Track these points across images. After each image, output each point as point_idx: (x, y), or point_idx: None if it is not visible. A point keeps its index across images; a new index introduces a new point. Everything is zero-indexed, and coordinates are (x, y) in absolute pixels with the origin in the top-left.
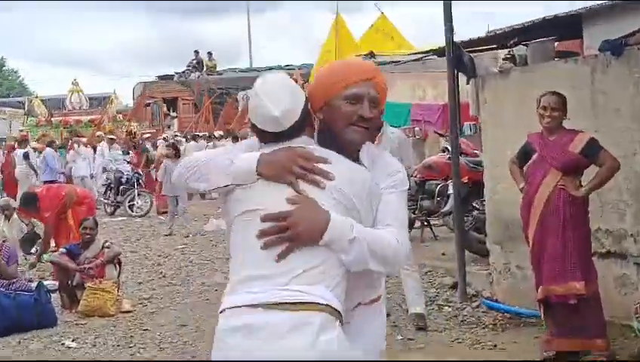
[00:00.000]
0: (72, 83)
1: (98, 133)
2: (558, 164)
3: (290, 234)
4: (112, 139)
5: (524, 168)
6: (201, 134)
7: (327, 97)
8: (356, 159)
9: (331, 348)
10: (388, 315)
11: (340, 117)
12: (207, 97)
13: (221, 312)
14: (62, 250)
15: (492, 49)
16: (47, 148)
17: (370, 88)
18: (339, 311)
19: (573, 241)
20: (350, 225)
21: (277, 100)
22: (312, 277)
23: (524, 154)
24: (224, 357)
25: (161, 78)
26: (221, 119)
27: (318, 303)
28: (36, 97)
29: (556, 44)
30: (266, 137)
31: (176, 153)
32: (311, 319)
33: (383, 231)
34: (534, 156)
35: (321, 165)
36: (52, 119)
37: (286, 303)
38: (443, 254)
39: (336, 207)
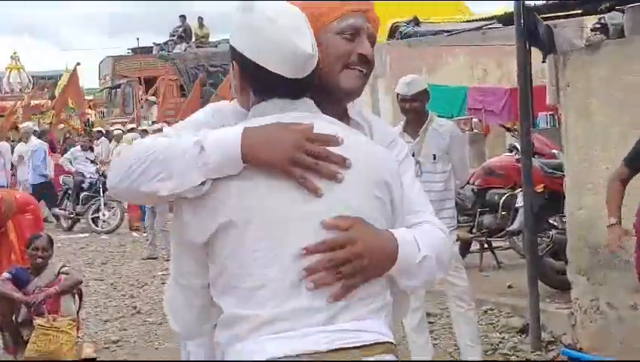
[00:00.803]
0: (11, 57)
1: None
2: None
3: (354, 269)
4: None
5: None
6: None
7: (315, 31)
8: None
9: None
10: None
11: (334, 56)
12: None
13: None
14: (5, 275)
15: (576, 15)
16: None
17: (367, 22)
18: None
19: None
20: (414, 240)
21: (303, 34)
22: (360, 306)
23: (638, 156)
24: None
25: (137, 51)
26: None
27: (380, 342)
28: None
29: None
30: (269, 90)
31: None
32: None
33: (428, 227)
34: None
35: (336, 149)
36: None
37: (342, 349)
38: (509, 287)
39: (382, 211)
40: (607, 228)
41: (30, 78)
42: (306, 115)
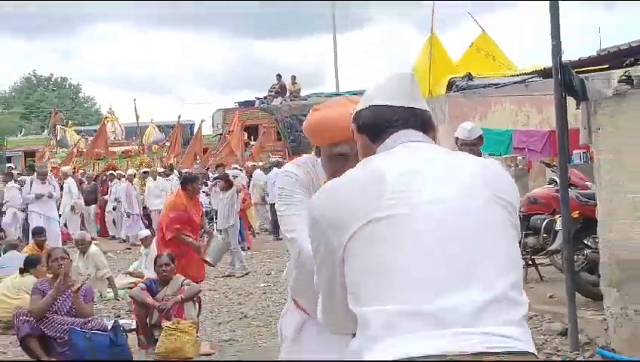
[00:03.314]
0: (108, 111)
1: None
2: None
3: None
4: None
5: None
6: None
7: (318, 143)
8: None
9: None
10: None
11: (329, 166)
12: (239, 122)
13: None
14: (141, 285)
15: (605, 69)
16: None
17: (348, 148)
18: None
19: None
20: None
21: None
22: (505, 308)
23: None
24: None
25: (242, 104)
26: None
27: (529, 352)
28: (70, 126)
29: None
30: (393, 124)
31: (227, 185)
32: None
33: None
34: None
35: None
36: (96, 150)
37: (490, 353)
38: (551, 297)
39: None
40: None
41: (123, 128)
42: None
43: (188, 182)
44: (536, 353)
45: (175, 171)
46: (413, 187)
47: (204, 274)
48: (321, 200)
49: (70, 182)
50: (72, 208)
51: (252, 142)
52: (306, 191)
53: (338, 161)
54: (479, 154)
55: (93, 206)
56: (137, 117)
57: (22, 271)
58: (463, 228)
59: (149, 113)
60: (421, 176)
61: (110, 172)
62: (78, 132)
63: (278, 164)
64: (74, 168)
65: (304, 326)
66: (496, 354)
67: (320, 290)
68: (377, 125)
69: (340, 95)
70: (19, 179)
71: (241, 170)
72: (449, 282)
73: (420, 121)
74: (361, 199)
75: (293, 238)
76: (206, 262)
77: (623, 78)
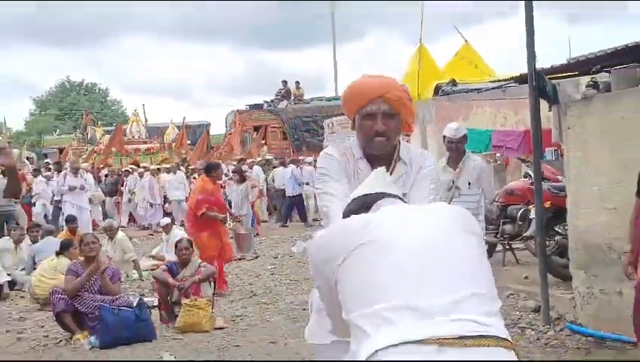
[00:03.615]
0: (133, 113)
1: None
2: None
3: None
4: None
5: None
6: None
7: (352, 114)
8: (392, 156)
9: None
10: None
11: (362, 131)
12: (239, 125)
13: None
14: (163, 267)
15: (574, 76)
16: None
17: (382, 104)
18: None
19: None
20: None
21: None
22: (482, 303)
23: None
24: None
25: (252, 107)
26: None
27: (500, 337)
28: (99, 126)
29: (638, 70)
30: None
31: (241, 178)
32: (509, 355)
33: None
34: None
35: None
36: (113, 148)
37: (467, 337)
38: (526, 278)
39: None
40: (625, 252)
41: (146, 127)
42: None
43: (212, 169)
44: (510, 339)
45: (182, 167)
46: (394, 221)
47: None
48: (316, 244)
49: (88, 176)
50: (90, 200)
51: (261, 141)
52: (342, 170)
53: (368, 122)
54: (464, 151)
55: (114, 197)
56: (146, 120)
57: (57, 254)
58: (437, 247)
59: (169, 115)
60: (401, 215)
61: (125, 168)
62: (107, 132)
63: (272, 161)
64: (92, 164)
65: None
66: (474, 337)
67: (328, 314)
68: (363, 206)
69: (339, 99)
70: (46, 174)
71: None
72: (427, 287)
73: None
74: (348, 235)
75: (326, 212)
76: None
77: (590, 83)
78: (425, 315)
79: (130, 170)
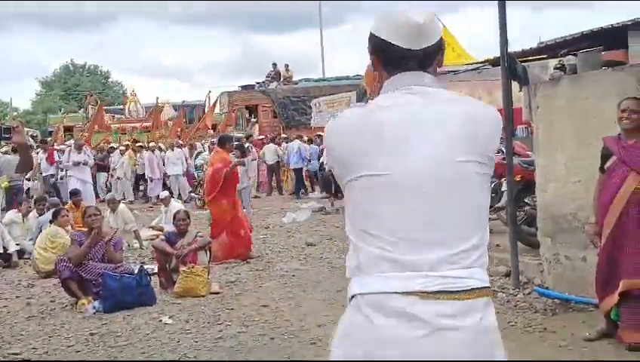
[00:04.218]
0: (131, 93)
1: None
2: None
3: None
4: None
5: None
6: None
7: (372, 89)
8: None
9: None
10: None
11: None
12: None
13: (353, 297)
14: (161, 237)
15: (543, 59)
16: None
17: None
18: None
19: None
20: None
21: (419, 13)
22: (466, 256)
23: (603, 158)
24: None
25: (244, 88)
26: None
27: (479, 288)
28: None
29: (603, 53)
30: (390, 62)
31: (242, 154)
32: (476, 304)
33: None
34: (612, 159)
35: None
36: (111, 125)
37: (445, 292)
38: (497, 245)
39: None
40: (590, 223)
41: (143, 107)
42: (422, 91)
43: (225, 141)
44: (488, 285)
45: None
46: (401, 145)
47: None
48: (333, 131)
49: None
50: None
51: (252, 119)
52: None
53: None
54: None
55: (103, 173)
56: (137, 102)
57: (51, 223)
58: (438, 192)
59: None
60: (409, 131)
61: (111, 145)
62: (107, 111)
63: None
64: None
65: None
66: (451, 292)
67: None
68: (386, 58)
69: (325, 80)
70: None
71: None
72: (421, 240)
73: (424, 60)
74: (360, 148)
75: None
76: None
77: (558, 66)
78: (410, 268)
79: (114, 148)
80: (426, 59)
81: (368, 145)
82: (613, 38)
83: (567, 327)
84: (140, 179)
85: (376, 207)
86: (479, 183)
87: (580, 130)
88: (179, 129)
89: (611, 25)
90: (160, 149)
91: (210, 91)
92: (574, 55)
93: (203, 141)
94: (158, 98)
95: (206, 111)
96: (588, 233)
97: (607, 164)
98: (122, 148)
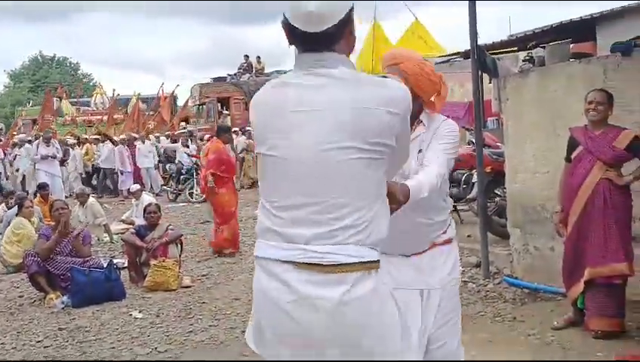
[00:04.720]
0: (97, 85)
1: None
2: (605, 158)
3: None
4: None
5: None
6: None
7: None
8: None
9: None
10: None
11: None
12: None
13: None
14: (131, 230)
15: (513, 51)
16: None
17: (395, 72)
18: (375, 261)
19: (617, 226)
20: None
21: None
22: (339, 234)
23: (570, 148)
24: (261, 287)
25: (216, 79)
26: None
27: (348, 263)
28: (66, 98)
29: (571, 46)
30: (295, 40)
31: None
32: (344, 278)
33: (429, 169)
34: (579, 149)
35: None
36: (77, 118)
37: (315, 264)
38: (468, 236)
39: None
40: (555, 212)
41: (109, 99)
42: (345, 62)
43: (222, 132)
44: (357, 261)
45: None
46: (295, 129)
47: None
48: (253, 104)
49: (27, 147)
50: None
51: (225, 112)
52: None
53: None
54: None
55: (64, 168)
56: (104, 95)
57: (17, 215)
58: (318, 176)
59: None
60: (302, 116)
61: (68, 138)
62: (74, 103)
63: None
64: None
65: None
66: (321, 265)
67: None
68: (291, 37)
69: None
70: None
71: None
72: (300, 217)
73: (324, 40)
74: (268, 125)
75: None
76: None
77: (527, 58)
78: (288, 240)
79: (67, 142)
80: (327, 39)
81: (273, 123)
82: (582, 30)
83: (536, 316)
84: (97, 172)
85: (271, 183)
86: (361, 168)
87: (548, 121)
88: (135, 120)
89: (580, 17)
90: (123, 142)
91: (162, 83)
92: (543, 47)
93: (157, 133)
94: (136, 92)
95: (161, 104)
96: (554, 222)
97: (574, 154)
98: (73, 141)
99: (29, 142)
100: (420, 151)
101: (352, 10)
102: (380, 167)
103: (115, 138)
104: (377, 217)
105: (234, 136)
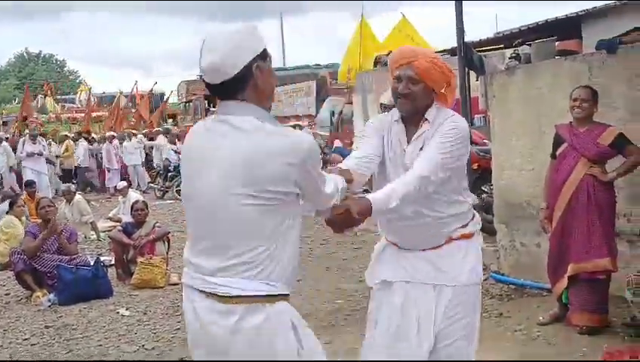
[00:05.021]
0: (82, 83)
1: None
2: (590, 155)
3: None
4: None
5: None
6: None
7: (392, 76)
8: (422, 117)
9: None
10: None
11: (393, 93)
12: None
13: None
14: (118, 227)
15: (499, 48)
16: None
17: (408, 70)
18: (268, 295)
19: (601, 222)
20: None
21: (209, 50)
22: (233, 268)
23: (555, 144)
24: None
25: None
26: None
27: (239, 296)
28: (51, 95)
29: (557, 43)
30: (208, 89)
31: None
32: (235, 309)
33: (410, 172)
34: (564, 146)
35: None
36: (62, 116)
37: (214, 294)
38: None
39: None
40: (541, 208)
41: (95, 97)
42: (256, 112)
43: None
44: (247, 294)
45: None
46: (196, 176)
47: None
48: (183, 145)
49: (4, 145)
50: (11, 168)
51: (212, 109)
52: (375, 131)
53: (395, 85)
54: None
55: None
56: (90, 91)
57: (7, 213)
58: (215, 218)
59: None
60: (204, 163)
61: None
62: (58, 101)
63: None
64: (17, 132)
65: (384, 250)
66: (218, 296)
67: None
68: (206, 85)
69: (285, 69)
70: None
71: None
72: (204, 251)
73: (228, 90)
74: (183, 167)
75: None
76: None
77: (513, 55)
78: (197, 271)
79: (51, 139)
80: (231, 89)
81: (183, 167)
82: (567, 28)
83: (522, 312)
84: (76, 169)
85: (187, 217)
86: (254, 214)
87: (534, 118)
88: (113, 119)
89: (566, 15)
90: (102, 140)
91: (136, 81)
92: (529, 45)
93: (134, 131)
94: (119, 89)
95: (139, 101)
96: (539, 218)
97: (559, 151)
98: (109, 136)
99: (7, 139)
100: (421, 148)
101: (253, 62)
102: (275, 212)
103: (95, 135)
104: (275, 256)
105: None
